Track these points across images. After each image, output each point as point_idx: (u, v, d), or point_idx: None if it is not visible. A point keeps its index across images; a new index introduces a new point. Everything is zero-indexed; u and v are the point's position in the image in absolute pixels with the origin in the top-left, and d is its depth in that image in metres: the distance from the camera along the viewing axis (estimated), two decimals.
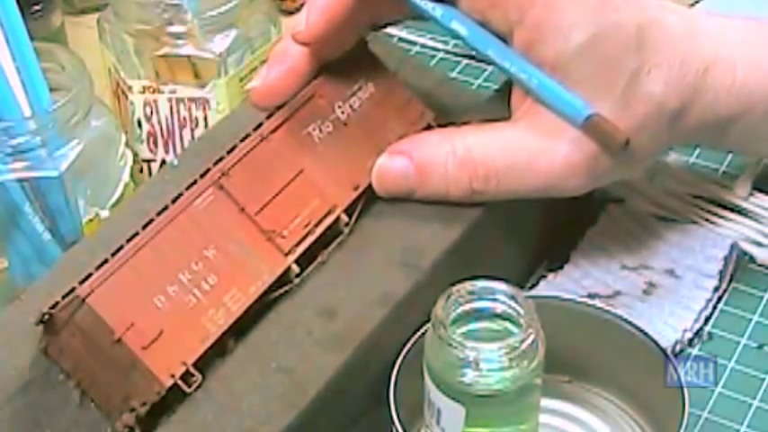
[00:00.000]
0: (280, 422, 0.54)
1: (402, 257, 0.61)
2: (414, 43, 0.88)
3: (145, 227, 0.56)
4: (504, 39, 0.63)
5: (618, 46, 0.61)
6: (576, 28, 0.61)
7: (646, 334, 0.59)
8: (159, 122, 0.77)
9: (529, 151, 0.63)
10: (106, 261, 0.54)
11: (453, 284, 0.55)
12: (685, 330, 0.65)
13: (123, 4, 0.77)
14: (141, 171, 0.77)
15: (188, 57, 0.76)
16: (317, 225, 0.60)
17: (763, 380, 0.64)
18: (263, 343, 0.57)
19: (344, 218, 0.62)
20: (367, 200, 0.63)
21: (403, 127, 0.65)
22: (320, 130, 0.63)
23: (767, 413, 0.63)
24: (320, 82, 0.63)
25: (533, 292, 0.66)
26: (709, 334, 0.66)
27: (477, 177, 0.63)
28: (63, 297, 0.54)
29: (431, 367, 0.55)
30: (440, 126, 0.66)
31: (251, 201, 0.59)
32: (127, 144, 0.73)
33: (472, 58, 0.86)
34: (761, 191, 0.72)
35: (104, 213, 0.70)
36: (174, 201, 0.57)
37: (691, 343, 0.65)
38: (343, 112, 0.64)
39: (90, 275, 0.53)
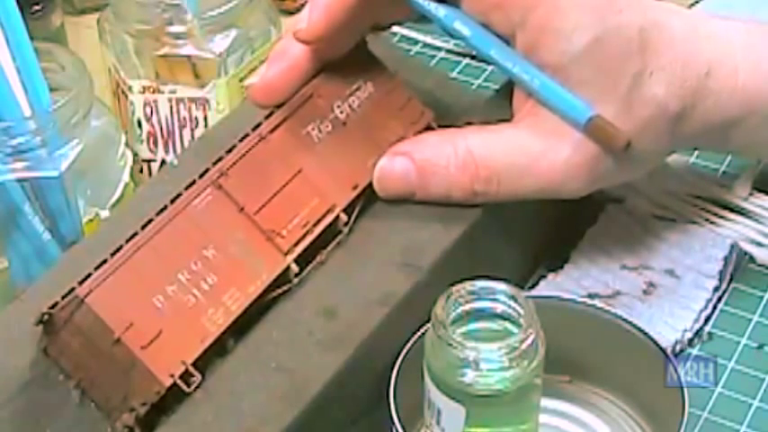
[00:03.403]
0: (280, 422, 0.54)
1: (402, 257, 0.61)
2: (415, 41, 0.88)
3: (144, 227, 0.56)
4: (507, 40, 0.63)
5: (620, 49, 0.61)
6: (579, 31, 0.61)
7: (646, 334, 0.59)
8: (159, 122, 0.77)
9: (530, 153, 0.62)
10: (105, 261, 0.54)
11: (453, 284, 0.55)
12: (685, 330, 0.65)
13: (123, 4, 0.77)
14: (141, 171, 0.77)
15: (188, 57, 0.76)
16: (315, 224, 0.60)
17: (763, 380, 0.64)
18: (263, 343, 0.57)
19: (344, 217, 0.62)
20: (366, 199, 0.63)
21: (402, 127, 0.65)
22: (319, 130, 0.63)
23: (767, 413, 0.63)
24: (319, 82, 0.63)
25: (533, 292, 0.66)
26: (709, 334, 0.66)
27: (478, 179, 0.63)
28: (62, 297, 0.54)
29: (431, 367, 0.55)
30: (441, 127, 0.66)
31: (250, 200, 0.59)
32: (127, 144, 0.73)
33: (473, 57, 0.86)
34: (761, 191, 0.72)
35: (104, 213, 0.70)
36: (173, 201, 0.57)
37: (691, 343, 0.65)
38: (342, 112, 0.64)
39: (89, 275, 0.53)
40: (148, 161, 0.78)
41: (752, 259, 0.70)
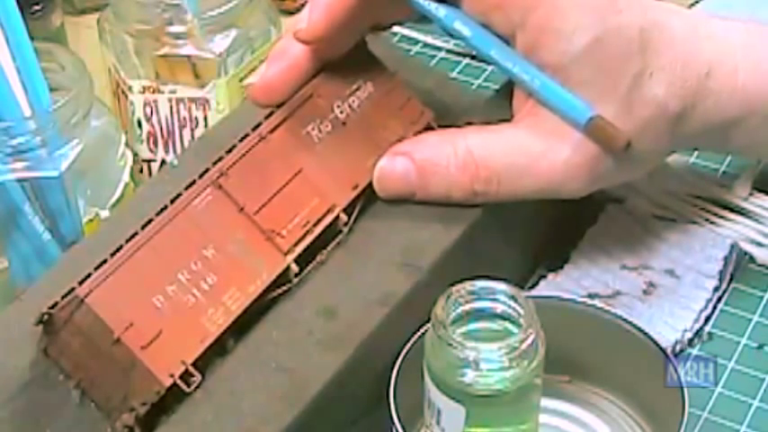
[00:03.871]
0: (280, 422, 0.54)
1: (402, 257, 0.61)
2: (415, 41, 0.88)
3: (144, 227, 0.56)
4: (507, 41, 0.63)
5: (620, 49, 0.61)
6: (579, 31, 0.61)
7: (646, 334, 0.59)
8: (159, 122, 0.77)
9: (530, 153, 0.62)
10: (105, 261, 0.54)
11: (453, 284, 0.55)
12: (685, 330, 0.65)
13: (123, 4, 0.77)
14: (141, 171, 0.77)
15: (188, 57, 0.76)
16: (315, 224, 0.60)
17: (763, 380, 0.64)
18: (263, 343, 0.57)
19: (344, 217, 0.62)
20: (366, 199, 0.63)
21: (402, 126, 0.65)
22: (319, 130, 0.63)
23: (767, 413, 0.63)
24: (319, 81, 0.63)
25: (533, 292, 0.66)
26: (709, 334, 0.66)
27: (478, 179, 0.63)
28: (62, 297, 0.54)
29: (431, 367, 0.55)
30: (441, 127, 0.66)
31: (250, 200, 0.59)
32: (127, 144, 0.73)
33: (473, 57, 0.86)
34: (761, 191, 0.72)
35: (104, 213, 0.70)
36: (173, 201, 0.57)
37: (691, 343, 0.65)
38: (342, 112, 0.64)
39: (89, 275, 0.53)
40: (148, 161, 0.78)
41: (752, 259, 0.70)
